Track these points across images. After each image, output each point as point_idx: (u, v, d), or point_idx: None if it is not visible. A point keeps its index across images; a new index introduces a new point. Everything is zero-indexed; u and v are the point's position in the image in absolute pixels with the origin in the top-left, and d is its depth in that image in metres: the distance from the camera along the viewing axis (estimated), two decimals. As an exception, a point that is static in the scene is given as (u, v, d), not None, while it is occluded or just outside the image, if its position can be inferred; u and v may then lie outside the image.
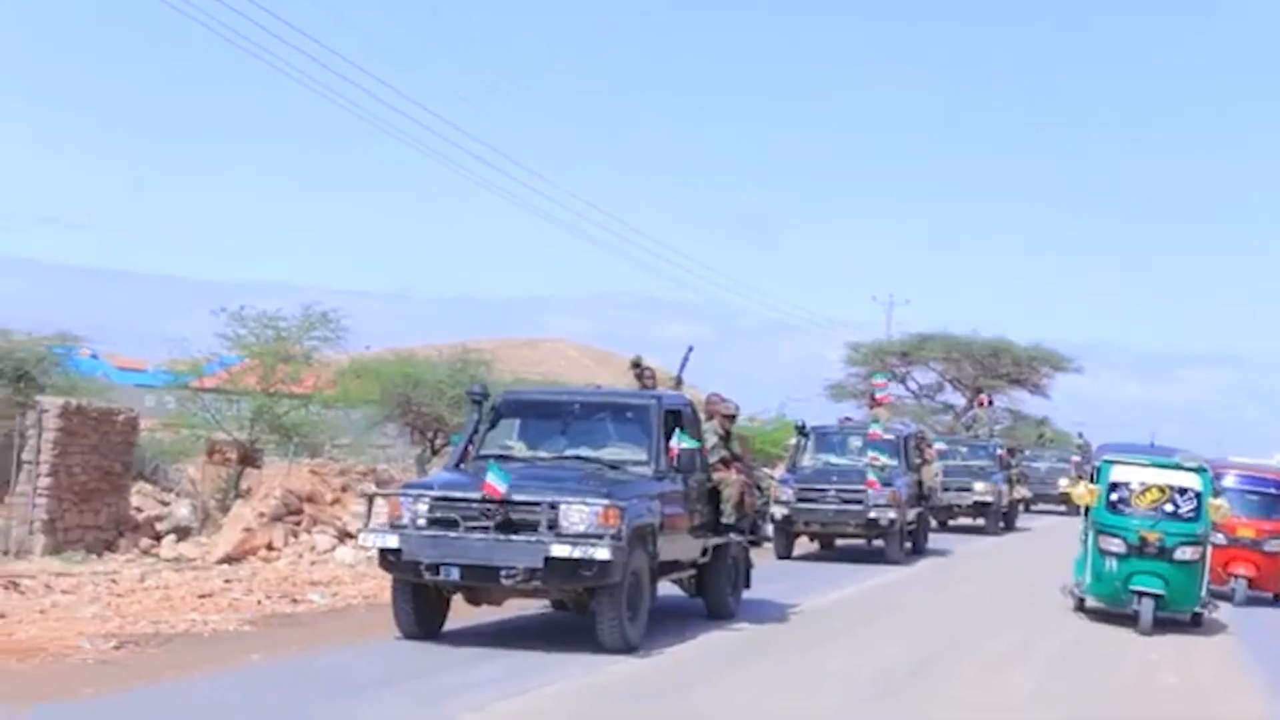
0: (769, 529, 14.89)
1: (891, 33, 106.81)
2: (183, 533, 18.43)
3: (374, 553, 12.22)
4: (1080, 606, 15.96)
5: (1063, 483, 43.20)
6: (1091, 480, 15.53)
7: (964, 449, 33.76)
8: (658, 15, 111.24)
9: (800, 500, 21.84)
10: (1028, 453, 43.93)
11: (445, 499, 11.72)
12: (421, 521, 11.65)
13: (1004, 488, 32.93)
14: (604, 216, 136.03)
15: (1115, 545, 14.79)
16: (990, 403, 52.53)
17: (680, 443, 12.65)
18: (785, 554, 22.01)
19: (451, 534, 11.53)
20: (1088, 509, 15.43)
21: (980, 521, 31.97)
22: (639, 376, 14.42)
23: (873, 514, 21.63)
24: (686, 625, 13.35)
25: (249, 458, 21.44)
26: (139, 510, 18.28)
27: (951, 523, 31.36)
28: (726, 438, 14.29)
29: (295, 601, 14.20)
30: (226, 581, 15.10)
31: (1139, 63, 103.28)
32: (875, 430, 22.83)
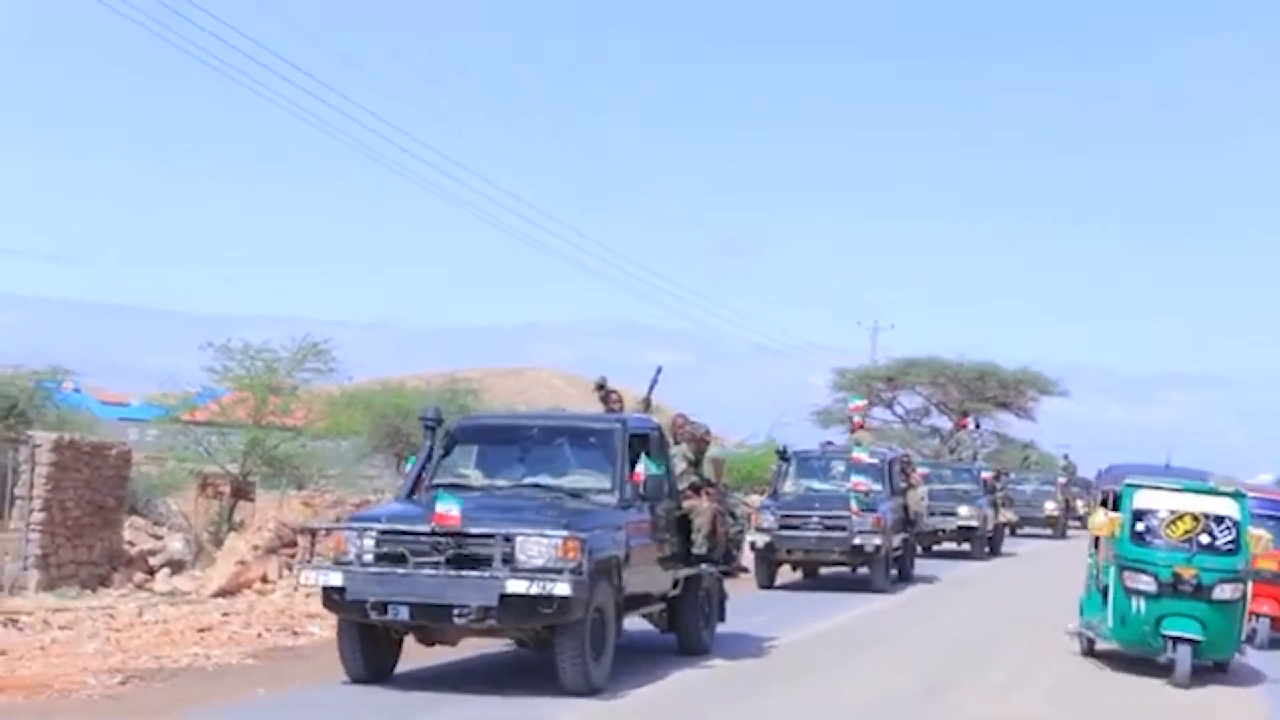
0: (745, 558, 13.85)
1: (871, 52, 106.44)
2: (176, 566, 18.33)
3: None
4: (1090, 651, 14.14)
5: (1049, 506, 42.91)
6: (1110, 507, 13.51)
7: (948, 472, 32.85)
8: (636, 42, 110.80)
9: (782, 527, 20.97)
10: (1013, 476, 42.99)
11: (393, 532, 10.82)
12: (368, 557, 10.75)
13: (989, 512, 31.95)
14: (586, 242, 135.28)
15: (1144, 583, 12.79)
16: (977, 425, 52.14)
17: (646, 469, 11.78)
18: (767, 583, 21.13)
19: (400, 570, 10.63)
20: (1097, 540, 13.77)
21: (965, 546, 30.97)
22: (604, 399, 13.54)
23: (857, 541, 20.70)
24: (657, 663, 12.46)
25: (241, 490, 21.40)
26: (132, 544, 18.25)
27: (935, 548, 30.44)
28: (697, 462, 13.42)
29: (295, 634, 13.88)
30: (224, 615, 14.81)
31: (1124, 81, 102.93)
32: (859, 455, 21.85)
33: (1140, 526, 13.05)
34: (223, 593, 16.78)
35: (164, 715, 9.67)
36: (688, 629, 13.02)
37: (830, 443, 25.56)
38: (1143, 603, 12.85)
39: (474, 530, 10.60)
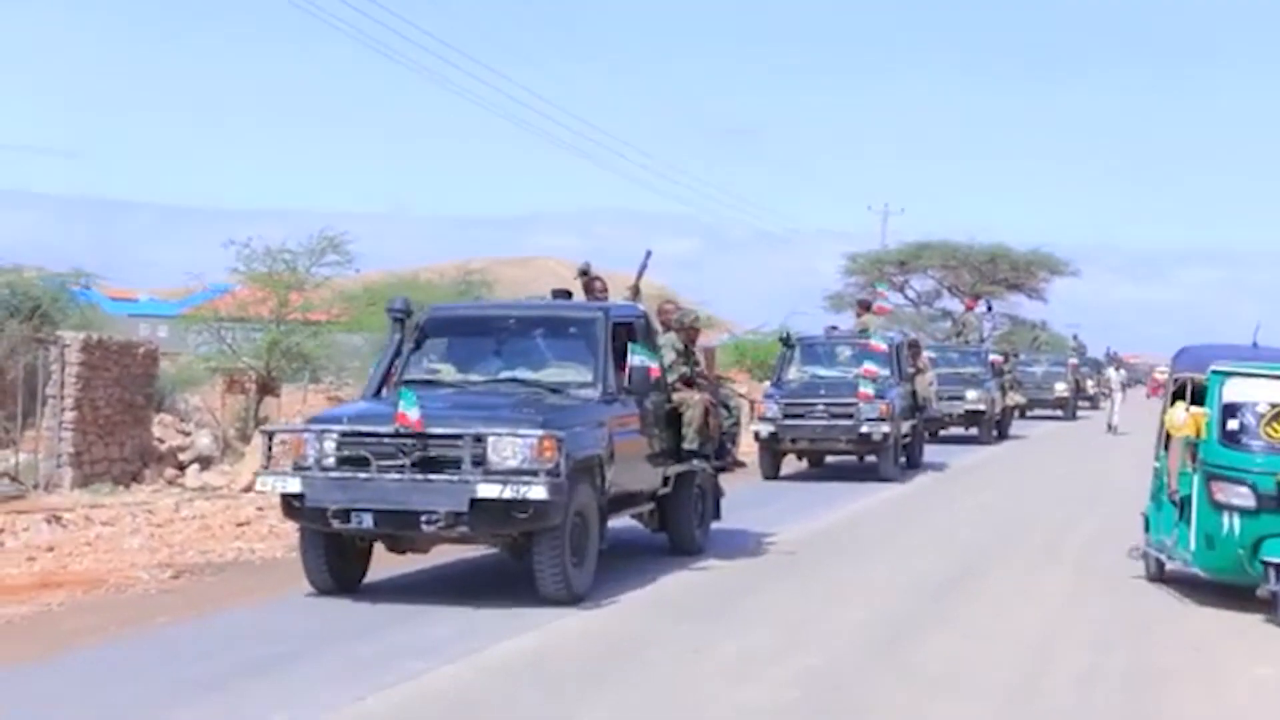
0: (745, 450, 12.78)
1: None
2: (205, 462, 18.51)
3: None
4: (1159, 575, 11.40)
5: (1059, 388, 41.93)
6: (1191, 400, 10.65)
7: (955, 356, 31.95)
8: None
9: (787, 416, 20.04)
10: (1023, 357, 42.00)
11: (355, 434, 9.90)
12: (329, 461, 9.85)
13: (997, 395, 31.19)
14: (594, 130, 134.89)
15: (1238, 495, 10.12)
16: (989, 308, 51.48)
17: (634, 357, 10.84)
18: (772, 474, 20.27)
19: (363, 475, 9.74)
20: (1167, 438, 11.09)
21: (973, 431, 30.03)
22: (587, 287, 12.55)
23: (864, 429, 19.76)
24: (646, 565, 11.61)
25: (267, 386, 21.61)
26: (161, 441, 18.52)
27: (942, 433, 29.55)
28: (687, 352, 12.45)
29: None
30: (259, 509, 14.71)
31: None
32: (875, 341, 20.87)
33: (1233, 424, 10.34)
34: (253, 488, 16.11)
35: (221, 606, 9.87)
36: (680, 528, 12.15)
37: (835, 328, 24.55)
38: (1237, 520, 10.13)
39: (442, 430, 9.68)
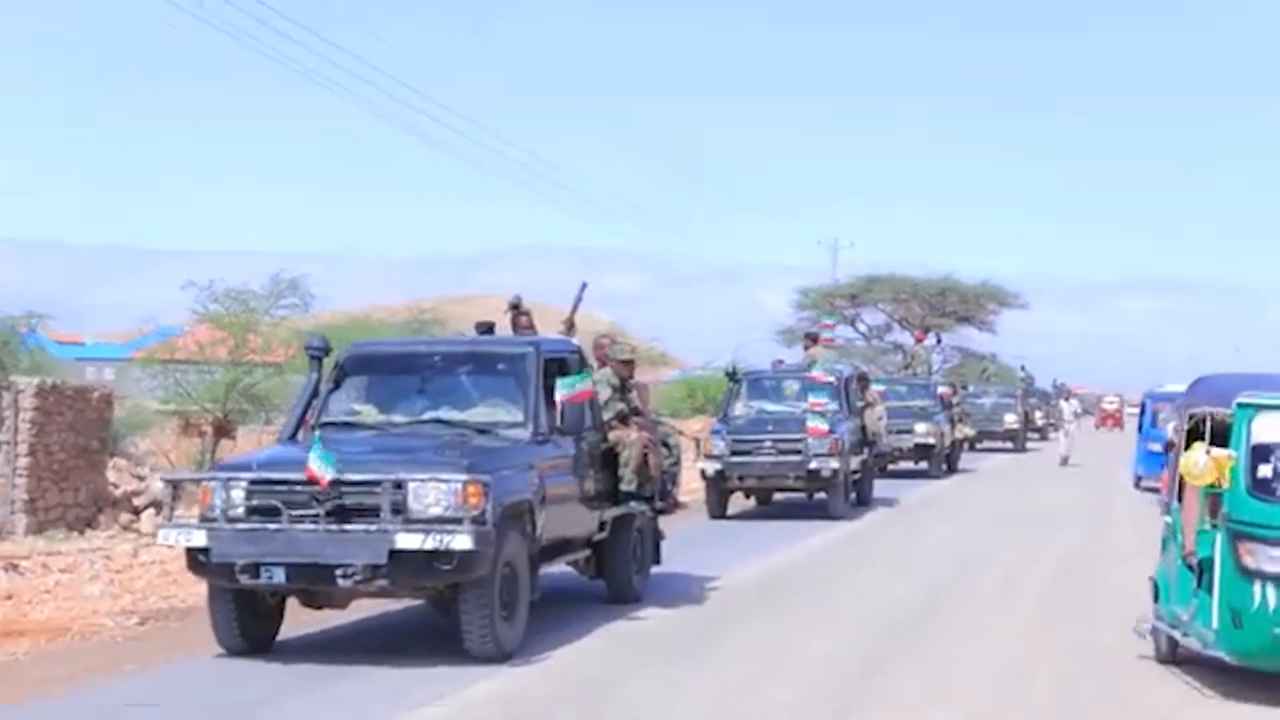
0: (688, 490, 12.00)
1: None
2: (160, 507, 18.01)
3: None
4: (1172, 656, 9.22)
5: (1008, 419, 41.50)
6: (1212, 440, 8.56)
7: (903, 389, 31.44)
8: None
9: (733, 453, 19.37)
10: (971, 389, 41.79)
11: (265, 482, 9.19)
12: (237, 511, 9.13)
13: (946, 428, 30.75)
14: (544, 166, 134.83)
15: (1274, 560, 8.08)
16: (939, 340, 51.36)
17: (560, 392, 10.19)
18: (719, 513, 19.62)
19: (273, 526, 9.02)
20: (1180, 485, 9.05)
21: (923, 465, 29.56)
22: (514, 321, 11.88)
23: (813, 464, 19.06)
24: (582, 615, 10.93)
25: (223, 429, 21.62)
26: (115, 486, 18.29)
27: (891, 467, 29.00)
28: (623, 389, 11.80)
29: None
30: None
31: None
32: (816, 372, 20.21)
33: (1265, 470, 8.30)
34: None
35: (189, 653, 9.64)
36: (617, 576, 11.47)
37: (782, 361, 23.97)
38: (1271, 591, 8.08)
39: (358, 476, 8.99)
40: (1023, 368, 53.49)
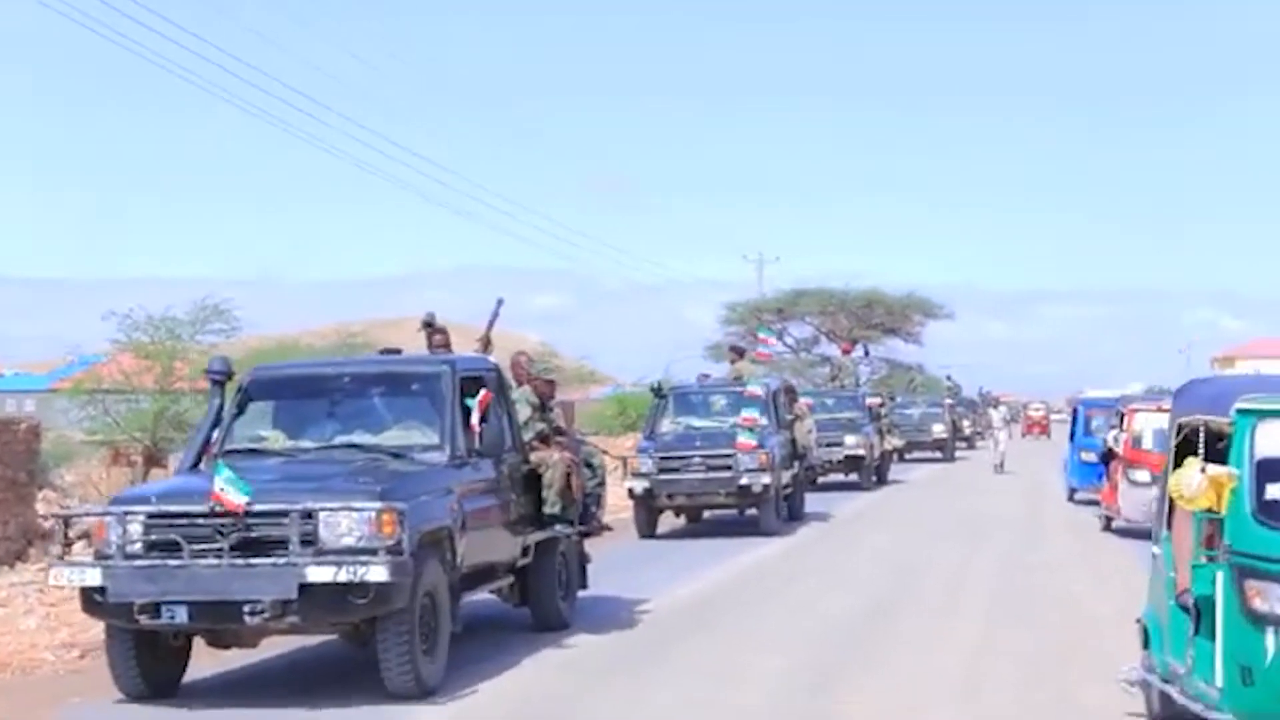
0: (614, 512, 11.52)
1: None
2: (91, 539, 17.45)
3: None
4: (1167, 717, 7.60)
5: (936, 429, 40.83)
6: (1206, 456, 7.04)
7: (831, 401, 31.01)
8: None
9: (661, 471, 18.86)
10: (899, 400, 41.70)
11: (165, 515, 8.64)
12: (135, 547, 8.57)
13: (875, 439, 30.44)
14: (467, 185, 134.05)
15: None
16: (866, 353, 51.31)
17: (471, 410, 9.73)
18: (648, 532, 19.12)
19: (174, 562, 8.47)
20: (1170, 509, 7.59)
21: (853, 477, 29.27)
22: (430, 339, 11.40)
23: (744, 480, 18.57)
24: (507, 645, 10.46)
25: (153, 458, 21.36)
26: (44, 519, 17.58)
27: (821, 480, 28.64)
28: (544, 407, 11.33)
29: None
30: None
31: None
32: (753, 389, 19.71)
33: (1276, 491, 6.85)
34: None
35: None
36: (543, 602, 11.00)
37: (708, 376, 23.46)
38: None
39: (265, 507, 8.47)
40: (949, 377, 53.38)
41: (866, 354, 53.88)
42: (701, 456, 18.95)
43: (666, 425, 20.12)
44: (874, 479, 29.68)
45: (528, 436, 10.91)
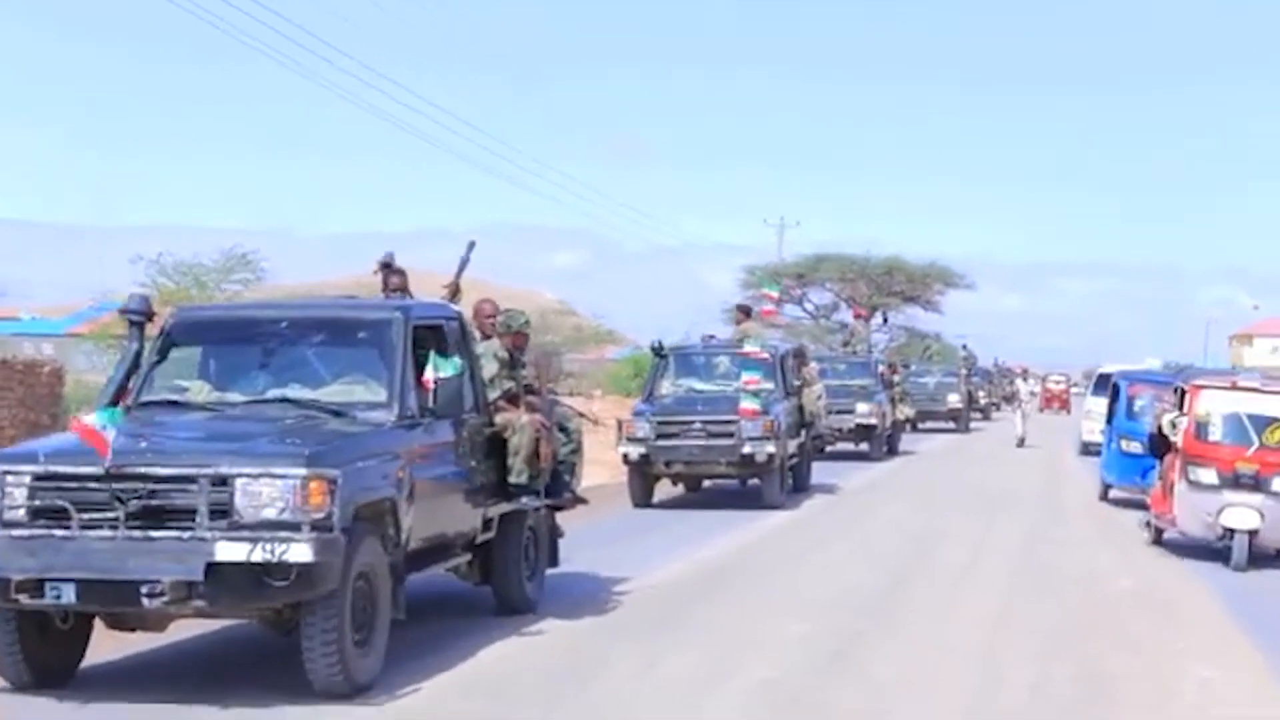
0: (579, 485, 10.27)
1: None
2: None
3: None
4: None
5: (951, 399, 40.04)
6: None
7: (842, 367, 30.05)
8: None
9: (659, 436, 17.57)
10: (914, 368, 40.77)
11: (52, 476, 7.39)
12: (17, 514, 7.33)
13: (887, 408, 29.34)
14: (487, 140, 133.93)
15: None
16: (885, 320, 50.27)
17: (437, 370, 8.47)
18: (643, 501, 17.93)
19: (61, 532, 7.23)
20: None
21: (863, 446, 28.13)
22: (385, 282, 10.11)
23: (747, 449, 17.29)
24: (463, 630, 9.26)
25: None
26: None
27: (829, 449, 27.33)
28: (513, 363, 10.04)
29: None
30: None
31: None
32: (750, 348, 18.42)
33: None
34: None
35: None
36: (506, 583, 9.77)
37: (713, 336, 22.11)
38: None
39: (167, 470, 7.22)
40: (964, 346, 52.59)
41: (886, 321, 53.10)
42: (702, 422, 17.69)
43: (666, 388, 18.95)
44: (885, 449, 28.72)
45: (493, 396, 9.62)
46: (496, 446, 9.46)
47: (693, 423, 17.69)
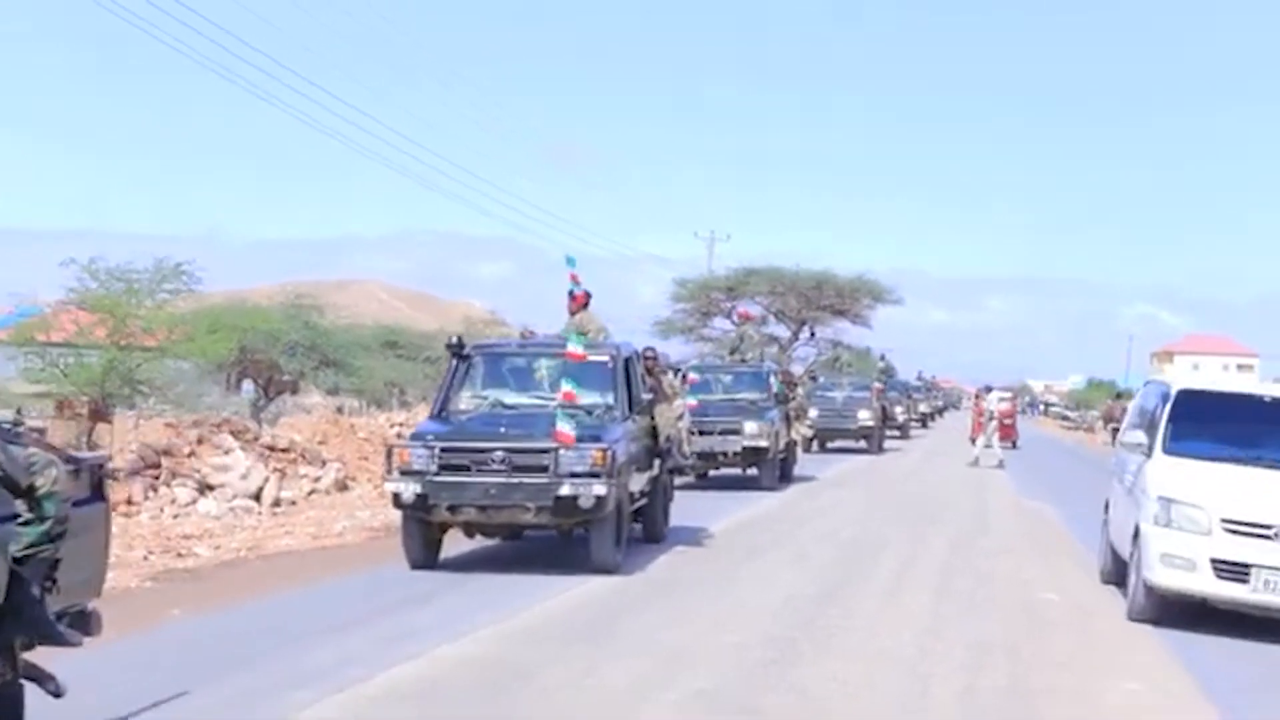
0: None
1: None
2: None
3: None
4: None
5: (862, 416, 36.84)
6: None
7: (728, 378, 27.84)
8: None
9: (443, 469, 14.29)
10: (822, 380, 40.97)
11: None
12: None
13: (781, 428, 26.79)
14: (413, 147, 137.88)
15: None
16: (813, 334, 53.31)
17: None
18: (424, 559, 14.55)
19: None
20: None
21: (752, 472, 26.12)
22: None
23: (566, 489, 14.19)
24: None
25: (99, 413, 23.02)
26: None
27: (713, 473, 26.02)
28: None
29: (181, 555, 15.34)
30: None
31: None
32: (574, 349, 15.21)
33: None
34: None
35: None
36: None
37: (533, 333, 18.65)
38: None
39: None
40: (883, 357, 54.70)
41: (813, 336, 57.27)
42: (504, 450, 14.29)
43: (466, 401, 15.92)
44: (778, 474, 26.64)
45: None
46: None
47: (491, 451, 14.32)
